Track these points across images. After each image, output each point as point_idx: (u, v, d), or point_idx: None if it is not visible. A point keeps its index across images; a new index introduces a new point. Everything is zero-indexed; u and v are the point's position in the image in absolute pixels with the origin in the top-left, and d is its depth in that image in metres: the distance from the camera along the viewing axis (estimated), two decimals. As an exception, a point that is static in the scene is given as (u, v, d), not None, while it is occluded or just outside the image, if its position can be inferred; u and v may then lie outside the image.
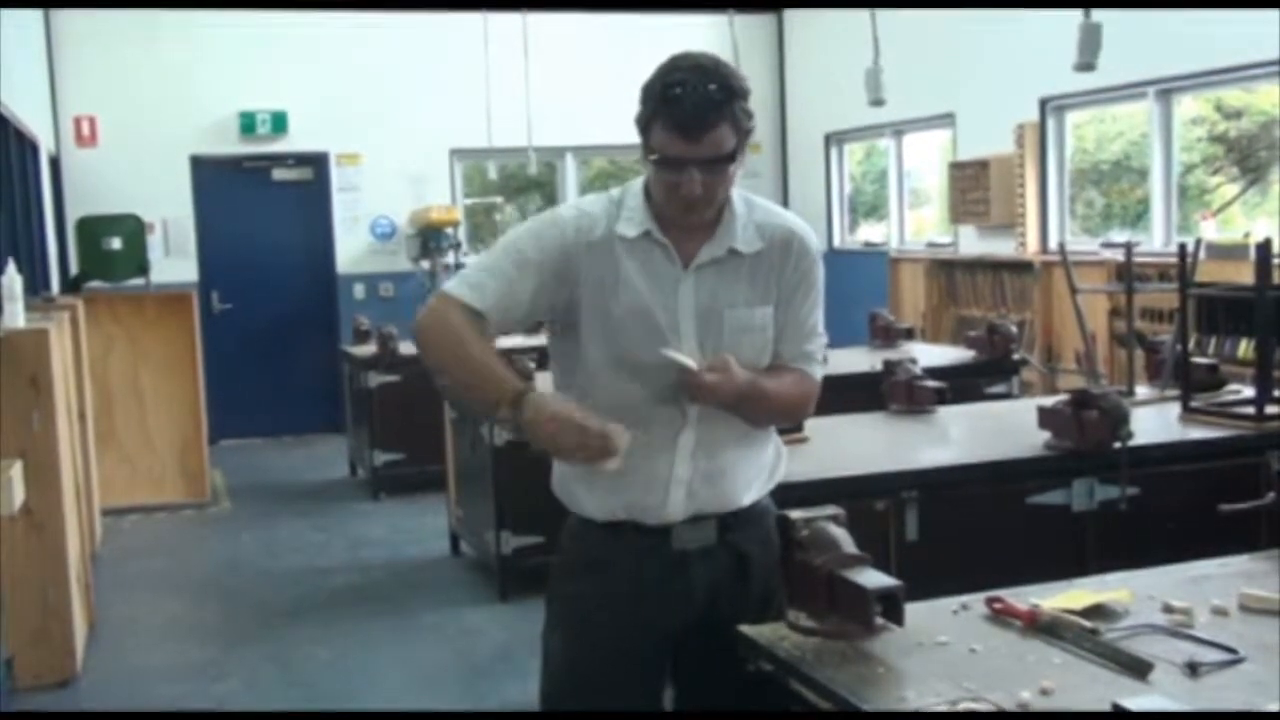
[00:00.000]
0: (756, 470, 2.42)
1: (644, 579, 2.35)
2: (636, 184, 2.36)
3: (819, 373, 2.43)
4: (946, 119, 9.22)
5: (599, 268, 2.29)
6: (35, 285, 6.96)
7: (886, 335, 6.59)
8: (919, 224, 10.34)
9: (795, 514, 2.21)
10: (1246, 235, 6.61)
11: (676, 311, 2.29)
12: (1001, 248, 8.54)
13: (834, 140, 10.67)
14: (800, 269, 2.36)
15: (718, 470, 2.35)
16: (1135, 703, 1.76)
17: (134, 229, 8.90)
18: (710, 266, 2.31)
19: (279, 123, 10.08)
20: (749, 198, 2.39)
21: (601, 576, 2.38)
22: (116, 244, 8.79)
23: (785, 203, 10.73)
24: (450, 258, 10.31)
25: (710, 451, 2.33)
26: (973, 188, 8.65)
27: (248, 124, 10.03)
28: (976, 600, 2.24)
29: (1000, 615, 2.17)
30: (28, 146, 7.75)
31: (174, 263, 9.80)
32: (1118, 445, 3.39)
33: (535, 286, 2.29)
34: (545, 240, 2.30)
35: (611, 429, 2.14)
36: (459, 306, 2.28)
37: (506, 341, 8.50)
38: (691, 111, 2.15)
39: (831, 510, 2.23)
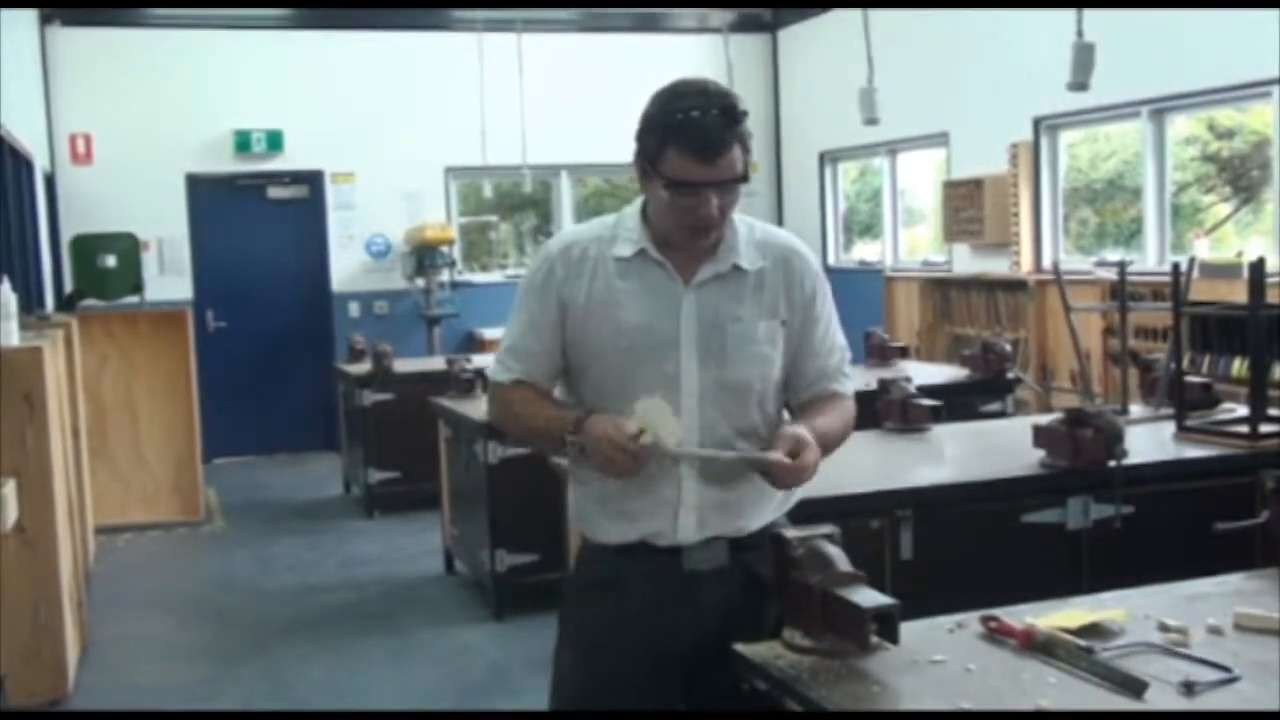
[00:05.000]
0: (770, 497, 2.42)
1: (656, 599, 2.36)
2: (632, 207, 2.39)
3: (850, 386, 2.50)
4: (941, 138, 9.25)
5: (593, 289, 2.32)
6: (30, 303, 6.95)
7: (881, 354, 6.60)
8: (913, 243, 10.36)
9: (790, 533, 2.22)
10: (1239, 254, 6.62)
11: (679, 327, 2.32)
12: (996, 266, 8.56)
13: (828, 159, 10.70)
14: (807, 287, 2.41)
15: (732, 499, 2.37)
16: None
17: (129, 247, 8.90)
18: (713, 283, 2.34)
19: (274, 141, 10.09)
20: (747, 218, 2.42)
21: (614, 596, 2.39)
22: (111, 262, 8.79)
23: (780, 221, 10.75)
24: (445, 275, 10.33)
25: (723, 481, 2.35)
26: (967, 206, 8.68)
27: (243, 142, 10.04)
28: (972, 619, 2.24)
29: (995, 634, 2.17)
30: (23, 164, 7.75)
31: (169, 281, 9.80)
32: (1112, 464, 3.39)
33: (551, 334, 2.36)
34: (541, 284, 2.37)
35: (639, 448, 2.20)
36: (501, 386, 2.42)
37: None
38: (708, 135, 2.18)
39: (826, 529, 2.23)
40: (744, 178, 2.24)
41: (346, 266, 10.44)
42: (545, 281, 2.36)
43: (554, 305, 2.34)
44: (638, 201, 2.39)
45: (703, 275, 2.33)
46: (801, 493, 2.56)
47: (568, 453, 2.34)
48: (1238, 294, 4.98)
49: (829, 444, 2.36)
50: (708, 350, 2.32)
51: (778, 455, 2.22)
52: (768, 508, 2.43)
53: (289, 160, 10.21)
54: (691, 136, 2.18)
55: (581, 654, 2.43)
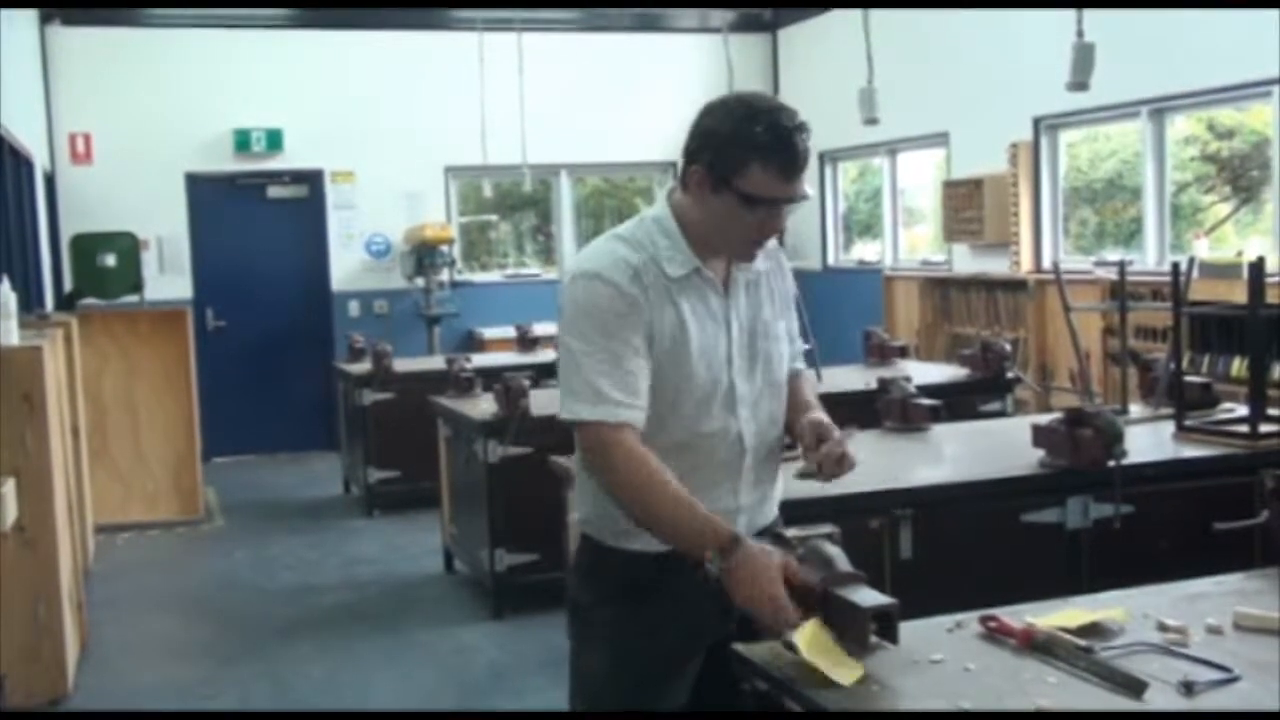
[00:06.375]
0: (779, 486, 2.53)
1: (692, 600, 2.35)
2: (659, 221, 2.35)
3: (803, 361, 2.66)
4: (940, 138, 9.25)
5: (665, 312, 2.30)
6: (29, 302, 6.94)
7: (881, 353, 6.60)
8: (913, 242, 10.36)
9: (790, 532, 2.22)
10: (1239, 254, 6.62)
11: (730, 340, 2.36)
12: (995, 266, 8.56)
13: (828, 159, 10.70)
14: (790, 283, 2.54)
15: (768, 495, 2.46)
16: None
17: (128, 246, 8.90)
18: (743, 290, 2.40)
19: (274, 140, 10.09)
20: None
21: (649, 600, 2.38)
22: (111, 261, 8.79)
23: (780, 221, 10.74)
24: (445, 275, 10.33)
25: (761, 478, 2.43)
26: (966, 206, 8.67)
27: (243, 141, 10.04)
28: (971, 618, 2.24)
29: (995, 634, 2.17)
30: (23, 163, 7.75)
31: (169, 280, 9.81)
32: (1112, 463, 3.39)
33: (646, 359, 2.28)
34: (627, 312, 2.25)
35: (799, 620, 2.09)
36: (628, 432, 2.24)
37: (502, 358, 8.43)
38: (794, 153, 2.21)
39: (826, 528, 2.23)
40: (809, 194, 2.31)
41: (346, 266, 10.44)
42: (630, 308, 2.25)
43: (644, 327, 2.27)
44: (662, 213, 2.35)
45: (736, 284, 2.38)
46: (801, 492, 2.57)
47: (701, 565, 2.20)
48: (1237, 294, 4.98)
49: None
50: (753, 358, 2.38)
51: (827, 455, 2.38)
52: (778, 495, 2.53)
53: (289, 159, 10.21)
54: (781, 154, 2.20)
55: (617, 655, 2.41)
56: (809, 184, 2.32)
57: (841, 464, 2.36)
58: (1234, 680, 1.96)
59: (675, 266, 2.30)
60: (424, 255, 10.12)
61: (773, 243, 2.47)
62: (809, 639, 2.03)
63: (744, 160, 2.20)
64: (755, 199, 2.23)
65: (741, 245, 2.32)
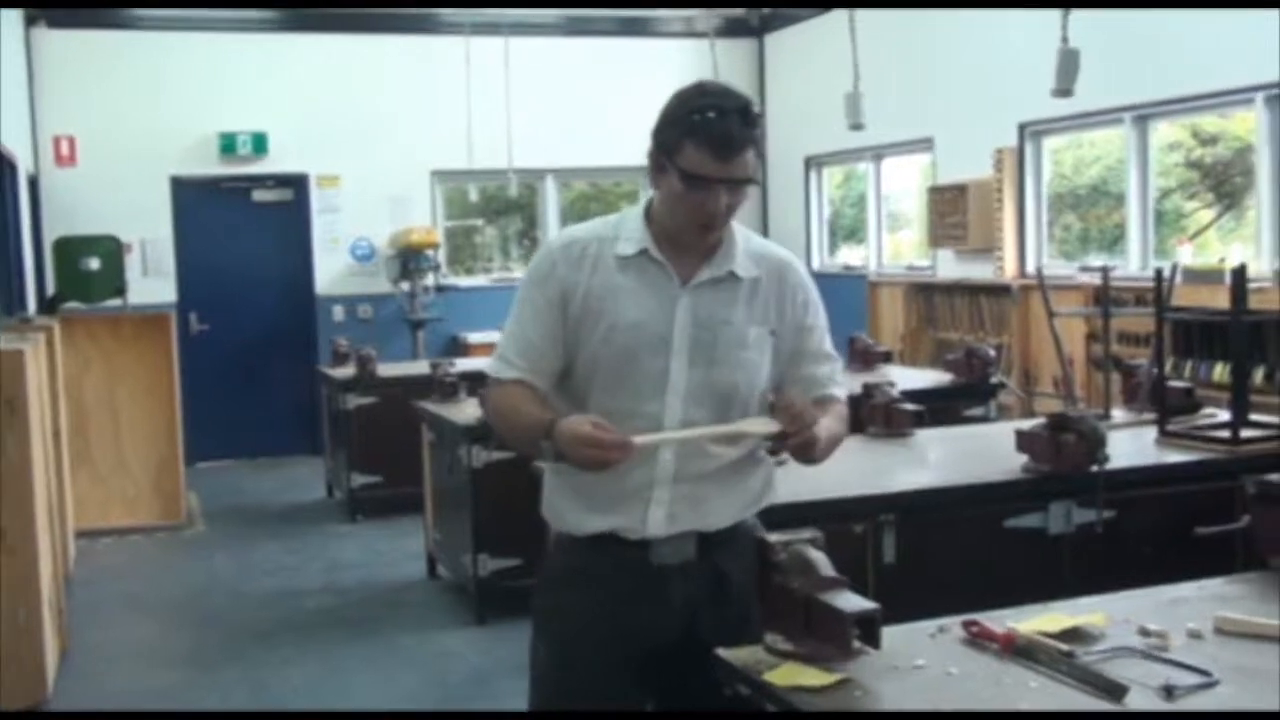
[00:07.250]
0: (740, 494, 2.45)
1: (624, 592, 2.38)
2: (635, 208, 2.45)
3: (842, 392, 2.58)
4: (925, 143, 9.27)
5: (591, 284, 2.36)
6: (11, 306, 6.92)
7: (865, 358, 6.62)
8: (898, 248, 10.38)
9: (773, 537, 2.22)
10: (1222, 260, 6.65)
11: (672, 326, 2.35)
12: (980, 272, 8.58)
13: (813, 164, 10.71)
14: (799, 299, 2.47)
15: (701, 495, 2.39)
16: None
17: (112, 249, 8.86)
18: (708, 286, 2.38)
19: (259, 144, 10.06)
20: (744, 229, 2.48)
21: (582, 588, 2.41)
22: (94, 264, 8.75)
23: (765, 225, 10.76)
24: (430, 279, 10.31)
25: (693, 478, 2.37)
26: (951, 212, 8.69)
27: (228, 145, 10.01)
28: (953, 623, 2.24)
29: (977, 638, 2.17)
30: (6, 166, 7.72)
31: (152, 283, 9.76)
32: (1094, 468, 3.40)
33: (554, 326, 2.37)
34: (543, 278, 2.40)
35: (628, 442, 2.20)
36: (498, 385, 2.43)
37: (486, 363, 8.46)
38: (726, 133, 2.25)
39: (809, 533, 2.23)
40: (753, 180, 2.31)
41: (331, 270, 10.41)
42: (547, 275, 2.39)
43: (556, 297, 2.37)
44: (641, 203, 2.45)
45: (699, 278, 2.38)
46: (784, 497, 2.56)
47: (544, 456, 2.32)
48: (1220, 299, 5.00)
49: (830, 434, 2.39)
50: (698, 351, 2.35)
51: (766, 420, 2.29)
52: (737, 504, 2.45)
53: (274, 163, 10.18)
54: (710, 133, 2.25)
55: (556, 647, 2.45)
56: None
57: (789, 421, 2.25)
58: (1214, 684, 1.96)
59: (627, 246, 2.38)
60: (409, 259, 10.11)
61: (782, 256, 2.49)
62: (783, 675, 2.04)
63: (681, 138, 2.28)
64: (690, 176, 2.27)
65: (688, 229, 2.34)
